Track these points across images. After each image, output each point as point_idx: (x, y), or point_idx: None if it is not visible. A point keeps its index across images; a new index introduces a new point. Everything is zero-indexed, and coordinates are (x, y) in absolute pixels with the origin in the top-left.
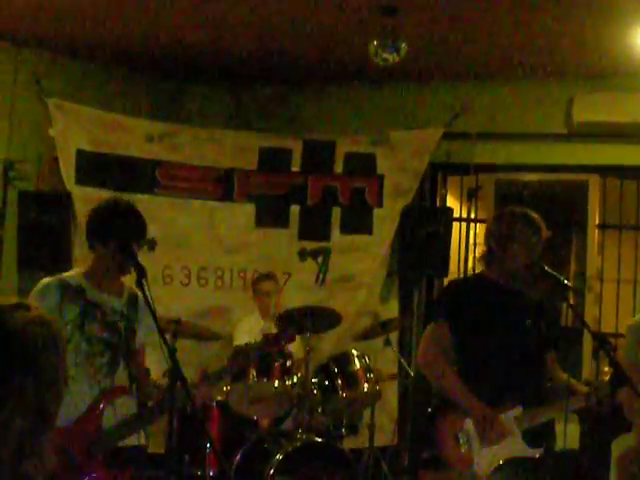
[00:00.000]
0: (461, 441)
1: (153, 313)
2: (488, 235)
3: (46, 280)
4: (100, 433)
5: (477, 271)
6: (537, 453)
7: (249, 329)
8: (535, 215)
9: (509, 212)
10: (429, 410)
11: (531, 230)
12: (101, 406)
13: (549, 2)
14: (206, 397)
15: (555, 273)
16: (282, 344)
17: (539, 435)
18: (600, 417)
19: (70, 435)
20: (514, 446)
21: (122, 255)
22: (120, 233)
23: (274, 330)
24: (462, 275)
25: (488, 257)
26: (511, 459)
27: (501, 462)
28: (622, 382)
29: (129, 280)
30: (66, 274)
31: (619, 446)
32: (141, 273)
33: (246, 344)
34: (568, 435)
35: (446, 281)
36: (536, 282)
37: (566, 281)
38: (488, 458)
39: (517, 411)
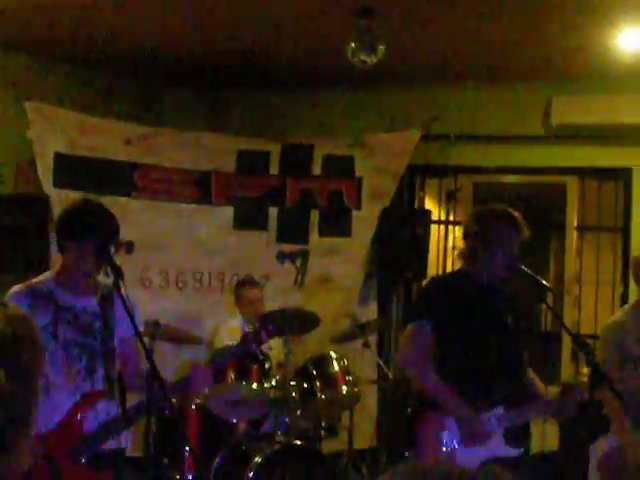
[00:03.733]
0: (443, 441)
1: (130, 315)
2: (467, 233)
3: (15, 288)
4: (82, 438)
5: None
6: (517, 453)
7: (230, 333)
8: (515, 214)
9: (489, 209)
10: (409, 411)
11: (511, 229)
12: (81, 411)
13: (528, 5)
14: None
15: (533, 274)
16: (263, 340)
17: (518, 435)
18: (579, 418)
19: (52, 441)
20: (495, 445)
21: (98, 255)
22: (97, 232)
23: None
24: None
25: (467, 255)
26: (492, 459)
27: (482, 462)
28: (601, 382)
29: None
30: (35, 280)
31: (599, 447)
32: (118, 274)
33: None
34: (547, 436)
35: (428, 279)
36: (515, 282)
37: (545, 282)
38: (469, 458)
39: (499, 411)
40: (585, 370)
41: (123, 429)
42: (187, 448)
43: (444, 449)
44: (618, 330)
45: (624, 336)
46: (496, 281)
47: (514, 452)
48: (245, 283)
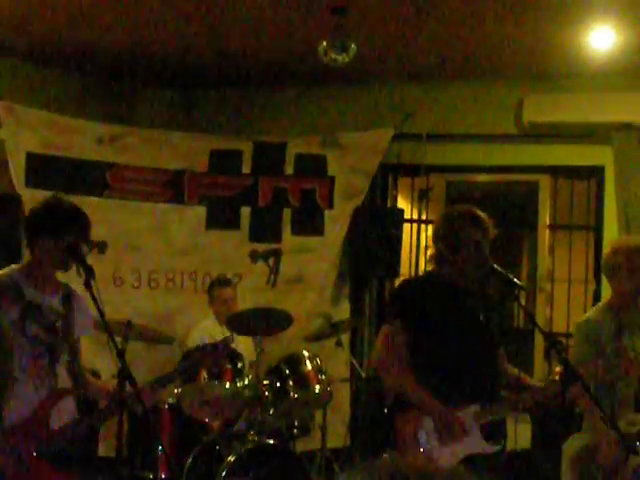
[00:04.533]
0: (421, 440)
1: (102, 314)
2: (436, 236)
3: None
4: (48, 434)
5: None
6: (495, 448)
7: (204, 333)
8: (481, 213)
9: (455, 212)
10: (385, 410)
11: (478, 229)
12: (48, 408)
13: (499, 4)
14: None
15: (505, 272)
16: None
17: (495, 430)
18: (551, 416)
19: (18, 436)
20: (473, 443)
21: (70, 254)
22: (68, 229)
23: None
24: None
25: (438, 257)
26: (470, 456)
27: (460, 459)
28: (573, 380)
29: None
30: (1, 272)
31: (572, 445)
32: (89, 274)
33: (197, 346)
34: (520, 435)
35: (397, 281)
36: (487, 281)
37: (517, 280)
38: (447, 456)
39: (474, 407)
40: (558, 368)
41: (90, 428)
42: (160, 448)
43: (422, 448)
44: (592, 327)
45: (598, 333)
46: (467, 281)
47: (492, 449)
48: (218, 282)
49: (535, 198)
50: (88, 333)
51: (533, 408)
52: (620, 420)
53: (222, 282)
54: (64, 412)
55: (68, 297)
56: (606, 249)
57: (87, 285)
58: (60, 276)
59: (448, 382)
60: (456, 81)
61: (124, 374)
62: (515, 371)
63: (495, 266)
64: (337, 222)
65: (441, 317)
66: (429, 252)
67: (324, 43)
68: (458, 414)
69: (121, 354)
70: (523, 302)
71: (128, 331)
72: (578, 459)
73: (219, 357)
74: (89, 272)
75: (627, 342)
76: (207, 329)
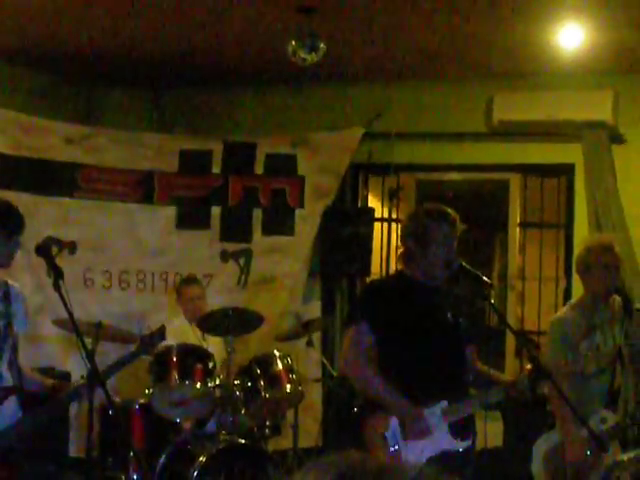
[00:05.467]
0: (389, 440)
1: (71, 315)
2: (404, 234)
3: None
4: None
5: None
6: (464, 445)
7: (174, 333)
8: (449, 210)
9: (422, 210)
10: (354, 410)
11: (446, 226)
12: None
13: (469, 2)
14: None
15: (474, 270)
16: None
17: (464, 428)
18: (522, 414)
19: None
20: (441, 440)
21: (39, 255)
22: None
23: (199, 333)
24: (384, 275)
25: (407, 256)
26: (438, 454)
27: (429, 457)
28: (542, 378)
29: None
30: None
31: (544, 444)
32: (58, 275)
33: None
34: (492, 433)
35: (366, 282)
36: (457, 279)
37: (485, 278)
38: (416, 454)
39: (442, 405)
40: (529, 366)
41: (37, 426)
42: (131, 448)
43: (390, 448)
44: (564, 326)
45: (570, 332)
46: (436, 280)
47: (461, 445)
48: (185, 281)
49: (505, 196)
50: (24, 329)
51: (502, 403)
52: (592, 417)
53: (189, 280)
54: (7, 410)
55: (7, 294)
56: (578, 247)
57: (56, 286)
58: (31, 277)
59: (416, 381)
60: (426, 80)
61: (93, 375)
62: (485, 368)
63: (464, 264)
64: (307, 222)
65: (408, 317)
66: (399, 251)
67: (293, 42)
68: (425, 412)
69: (90, 355)
70: (494, 300)
71: (98, 332)
72: (550, 457)
73: (153, 345)
74: (58, 273)
75: (599, 339)
76: (177, 329)
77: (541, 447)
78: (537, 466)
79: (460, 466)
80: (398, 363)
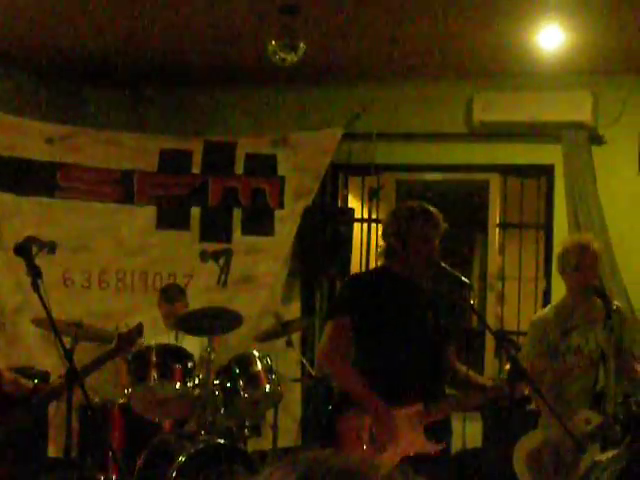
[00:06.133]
0: (362, 439)
1: (49, 314)
2: (386, 231)
3: None
4: None
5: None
6: (438, 448)
7: (151, 333)
8: (431, 208)
9: (406, 207)
10: (329, 408)
11: (427, 223)
12: None
13: (449, 3)
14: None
15: (453, 270)
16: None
17: (439, 430)
18: (502, 415)
19: None
20: (416, 442)
21: (18, 254)
22: None
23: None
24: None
25: (388, 252)
26: (412, 456)
27: (403, 458)
28: (521, 378)
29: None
30: None
31: (526, 443)
32: (36, 274)
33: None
34: (471, 434)
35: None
36: (436, 279)
37: (465, 279)
38: (390, 454)
39: (419, 406)
40: (508, 366)
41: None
42: (110, 449)
43: (365, 447)
44: (543, 325)
45: (548, 331)
46: (416, 278)
47: (435, 448)
48: (172, 290)
49: (485, 197)
50: None
51: (480, 408)
52: (575, 417)
53: (176, 290)
54: None
55: None
56: (559, 248)
57: (34, 285)
58: (11, 277)
59: (392, 381)
60: (406, 80)
61: (72, 374)
62: (464, 369)
63: (443, 264)
64: (287, 222)
65: (388, 314)
66: (380, 248)
67: (273, 42)
68: (402, 412)
69: (68, 354)
70: (474, 301)
71: (78, 331)
72: (534, 457)
73: (132, 342)
74: (36, 272)
75: (580, 340)
76: (152, 328)
77: (524, 446)
78: (520, 466)
79: (434, 469)
80: (375, 360)
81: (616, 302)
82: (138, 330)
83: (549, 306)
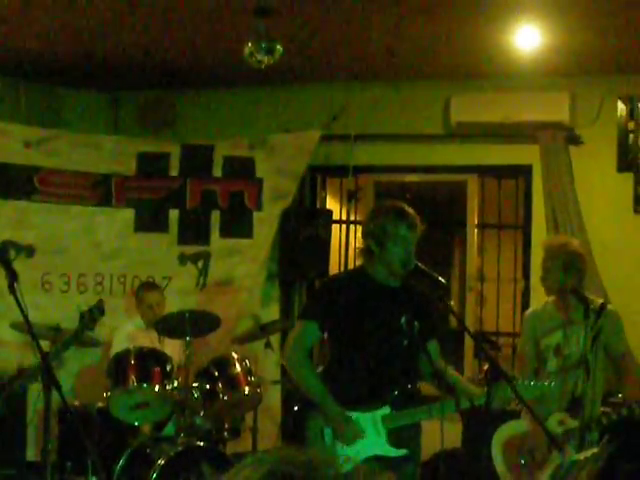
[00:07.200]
0: (326, 437)
1: (25, 318)
2: (364, 231)
3: None
4: None
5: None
6: (399, 453)
7: (129, 335)
8: (408, 209)
9: (384, 207)
10: (295, 409)
11: (406, 224)
12: None
13: (426, 3)
14: None
15: (430, 271)
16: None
17: (405, 435)
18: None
19: None
20: (377, 445)
21: None
22: None
23: (156, 339)
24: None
25: (366, 254)
26: (372, 457)
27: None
28: (498, 377)
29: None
30: None
31: (505, 432)
32: (12, 277)
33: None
34: (450, 434)
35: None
36: (413, 280)
37: (441, 279)
38: (351, 456)
39: (384, 410)
40: (486, 366)
41: None
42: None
43: (328, 445)
44: (531, 321)
45: (535, 327)
46: (393, 279)
47: (396, 452)
48: (145, 286)
49: (463, 198)
50: None
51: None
52: (550, 418)
53: (149, 286)
54: None
55: None
56: (538, 249)
57: (10, 289)
58: None
59: (361, 383)
60: (383, 81)
61: (48, 377)
62: (452, 372)
63: (420, 265)
64: (266, 224)
65: (357, 317)
66: (359, 249)
67: (250, 44)
68: (359, 416)
69: (45, 357)
70: (453, 301)
71: (56, 335)
72: (509, 444)
73: (94, 320)
74: (12, 276)
75: (560, 339)
76: (131, 332)
77: (501, 435)
78: (496, 453)
79: (391, 470)
80: (345, 363)
81: (609, 305)
82: (99, 307)
83: (543, 302)
